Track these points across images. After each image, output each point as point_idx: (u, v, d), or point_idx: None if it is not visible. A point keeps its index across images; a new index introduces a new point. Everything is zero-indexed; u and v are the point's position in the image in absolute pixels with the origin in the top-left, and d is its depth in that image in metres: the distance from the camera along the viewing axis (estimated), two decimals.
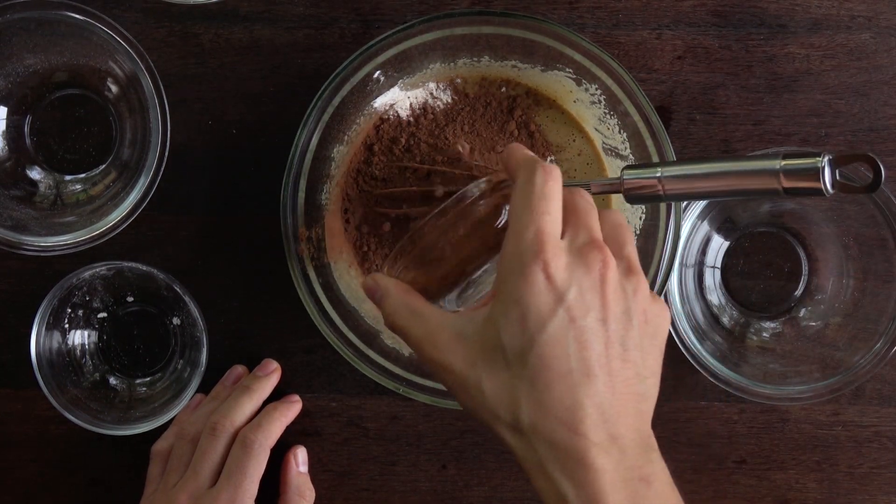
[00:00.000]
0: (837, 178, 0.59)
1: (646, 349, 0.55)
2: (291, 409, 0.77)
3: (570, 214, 0.56)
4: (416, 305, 0.58)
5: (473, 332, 0.54)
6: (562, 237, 0.55)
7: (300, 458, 0.78)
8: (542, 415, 0.52)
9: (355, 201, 0.76)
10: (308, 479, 0.78)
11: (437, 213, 0.61)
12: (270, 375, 0.77)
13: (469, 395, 0.54)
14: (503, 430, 0.53)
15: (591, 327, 0.53)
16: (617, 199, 0.77)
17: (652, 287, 0.71)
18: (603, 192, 0.65)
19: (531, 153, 0.59)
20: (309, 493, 0.77)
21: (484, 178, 0.62)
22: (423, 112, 0.76)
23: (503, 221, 0.60)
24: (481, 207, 0.61)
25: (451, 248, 0.61)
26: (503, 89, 0.76)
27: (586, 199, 0.58)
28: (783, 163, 0.60)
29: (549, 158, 0.76)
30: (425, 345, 0.56)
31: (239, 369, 0.78)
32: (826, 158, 0.59)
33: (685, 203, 0.74)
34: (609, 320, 0.53)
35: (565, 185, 0.69)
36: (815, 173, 0.59)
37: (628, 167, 0.63)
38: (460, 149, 0.73)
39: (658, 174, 0.63)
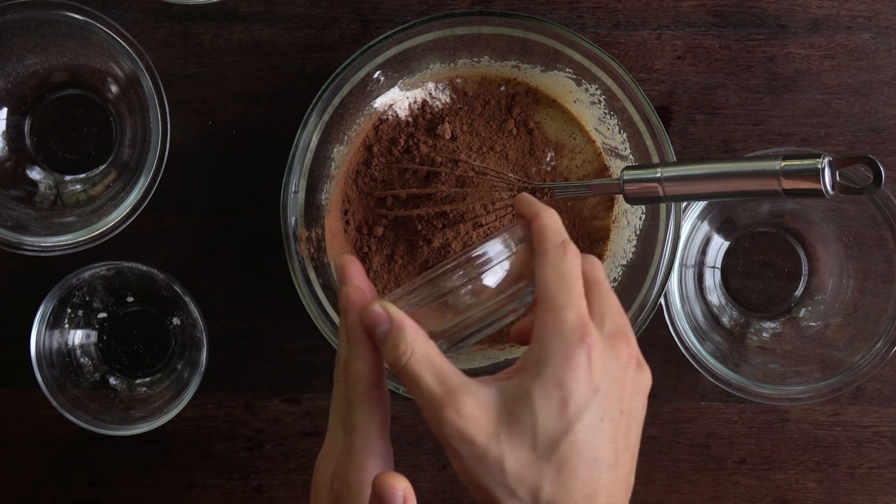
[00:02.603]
0: (837, 179, 0.59)
1: (637, 440, 0.56)
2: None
3: (595, 295, 0.56)
4: (437, 357, 0.54)
5: (502, 406, 0.52)
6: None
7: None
8: (562, 496, 0.52)
9: (355, 202, 0.76)
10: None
11: (461, 263, 0.58)
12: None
13: (485, 469, 0.52)
14: None
15: (616, 419, 0.53)
16: (618, 199, 0.77)
17: (652, 287, 0.72)
18: (603, 193, 0.66)
19: (553, 219, 0.58)
20: None
21: (503, 237, 0.59)
22: (421, 112, 0.76)
23: (529, 293, 0.58)
24: (511, 268, 0.58)
25: (475, 300, 0.58)
26: (502, 88, 0.76)
27: (605, 277, 0.58)
28: (783, 164, 0.60)
29: (548, 155, 0.76)
30: (446, 407, 0.52)
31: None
32: (826, 160, 0.59)
33: (685, 203, 0.74)
34: (625, 412, 0.54)
35: (565, 187, 0.69)
36: (815, 174, 0.59)
37: (628, 168, 0.63)
38: (447, 133, 0.73)
39: (658, 175, 0.63)
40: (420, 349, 0.54)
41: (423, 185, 0.74)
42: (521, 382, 0.53)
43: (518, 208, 0.60)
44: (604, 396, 0.53)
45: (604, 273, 0.58)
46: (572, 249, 0.56)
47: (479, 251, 0.57)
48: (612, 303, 0.56)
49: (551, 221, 0.58)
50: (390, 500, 0.52)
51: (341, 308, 0.57)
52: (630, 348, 0.55)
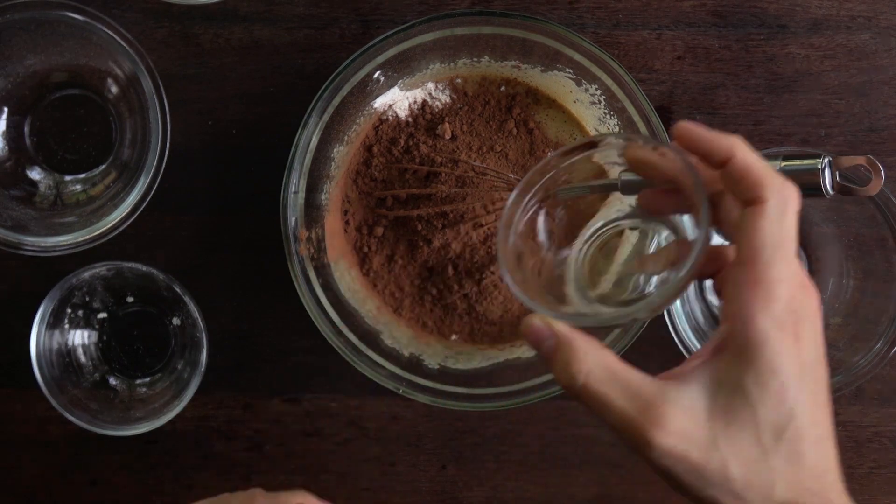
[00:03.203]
0: (837, 179, 0.59)
1: None
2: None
3: (765, 175, 0.48)
4: (619, 368, 0.48)
5: (711, 405, 0.47)
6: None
7: None
8: (796, 491, 0.47)
9: (355, 202, 0.76)
10: None
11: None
12: None
13: (706, 481, 0.47)
14: None
15: (825, 382, 0.50)
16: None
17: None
18: (603, 192, 0.65)
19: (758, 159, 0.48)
20: None
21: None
22: (421, 112, 0.76)
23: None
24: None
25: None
26: (502, 88, 0.76)
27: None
28: (783, 164, 0.60)
29: (549, 154, 0.76)
30: (648, 428, 0.46)
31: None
32: (826, 160, 0.59)
33: None
34: (826, 367, 0.50)
35: (565, 188, 0.69)
36: (816, 174, 0.59)
37: (627, 170, 0.63)
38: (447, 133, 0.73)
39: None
40: (597, 363, 0.47)
41: (423, 185, 0.74)
42: (729, 374, 0.47)
43: (686, 137, 0.49)
44: (814, 366, 0.48)
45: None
46: (794, 196, 0.47)
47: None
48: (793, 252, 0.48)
49: (759, 160, 0.48)
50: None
51: None
52: (816, 299, 0.49)
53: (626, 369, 0.48)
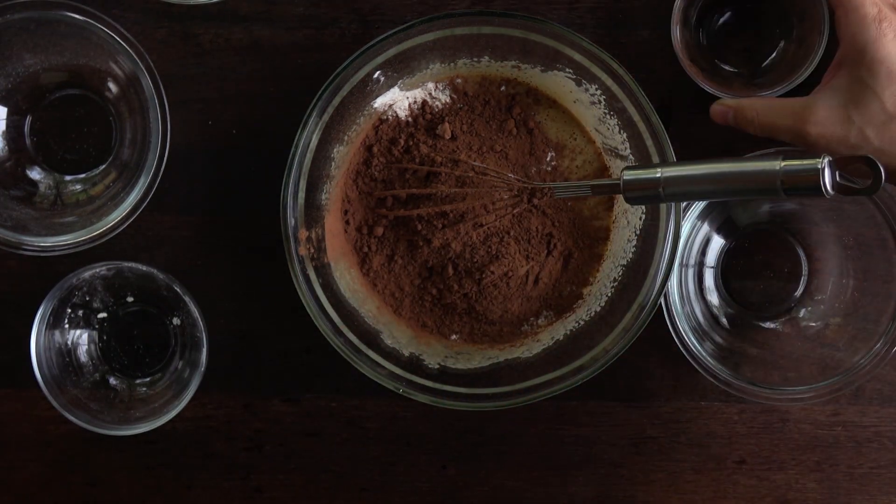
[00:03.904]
0: (837, 179, 0.59)
1: None
2: None
3: None
4: (773, 101, 0.70)
5: (843, 96, 0.67)
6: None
7: None
8: None
9: (355, 202, 0.76)
10: None
11: None
12: None
13: (852, 146, 0.66)
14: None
15: None
16: (618, 199, 0.77)
17: (652, 287, 0.72)
18: (602, 193, 0.65)
19: None
20: None
21: None
22: (421, 112, 0.76)
23: None
24: None
25: None
26: (503, 88, 0.76)
27: None
28: (784, 164, 0.60)
29: (549, 155, 0.76)
30: (803, 126, 0.67)
31: None
32: (826, 160, 0.59)
33: (685, 203, 0.74)
34: None
35: (566, 187, 0.69)
36: (816, 174, 0.59)
37: (628, 168, 0.63)
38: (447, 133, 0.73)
39: (658, 175, 0.63)
40: (760, 107, 0.70)
41: (423, 185, 0.74)
42: (849, 75, 0.67)
43: None
44: None
45: None
46: None
47: None
48: None
49: None
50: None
51: None
52: None
53: (776, 101, 0.70)
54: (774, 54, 0.77)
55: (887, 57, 0.66)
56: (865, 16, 0.67)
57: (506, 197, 0.73)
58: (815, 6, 0.72)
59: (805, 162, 0.60)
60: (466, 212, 0.73)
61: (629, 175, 0.65)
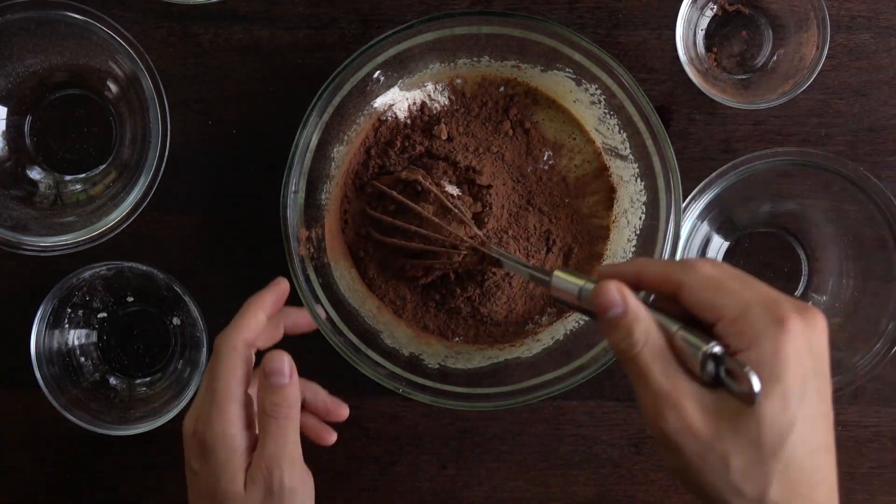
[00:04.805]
0: (721, 375, 0.52)
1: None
2: (266, 294, 0.67)
3: (745, 286, 0.53)
4: (666, 350, 0.53)
5: (719, 404, 0.51)
6: (728, 317, 0.53)
7: (269, 367, 0.63)
8: (789, 495, 0.51)
9: (354, 203, 0.76)
10: (279, 391, 0.63)
11: None
12: (268, 287, 0.68)
13: (709, 467, 0.51)
14: None
15: (826, 393, 0.52)
16: (617, 199, 0.76)
17: None
18: (534, 280, 0.63)
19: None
20: (275, 406, 0.63)
21: None
22: (420, 114, 0.76)
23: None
24: None
25: None
26: (502, 89, 0.76)
27: (724, 268, 0.55)
28: (679, 331, 0.53)
29: (545, 154, 0.76)
30: (671, 402, 0.52)
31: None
32: (714, 348, 0.52)
33: (685, 203, 0.74)
34: (828, 379, 0.53)
35: (509, 265, 0.66)
36: (703, 361, 0.52)
37: (561, 270, 0.61)
38: (419, 178, 0.73)
39: (581, 285, 0.58)
40: (653, 340, 0.53)
41: (413, 199, 0.73)
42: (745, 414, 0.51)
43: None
44: (818, 378, 0.51)
45: (728, 269, 0.55)
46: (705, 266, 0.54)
47: None
48: (762, 289, 0.54)
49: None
50: (276, 364, 0.62)
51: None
52: (816, 317, 0.53)
53: (670, 354, 0.53)
54: (771, 61, 0.77)
55: (784, 378, 0.51)
56: (757, 321, 0.52)
57: (457, 256, 0.72)
58: (814, 15, 0.72)
59: (694, 340, 0.53)
60: (454, 240, 0.72)
61: (558, 277, 0.61)
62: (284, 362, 0.63)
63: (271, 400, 0.62)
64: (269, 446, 0.62)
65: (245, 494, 0.62)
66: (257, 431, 0.63)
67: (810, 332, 0.52)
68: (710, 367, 0.52)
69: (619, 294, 0.54)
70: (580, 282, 0.58)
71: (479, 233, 0.72)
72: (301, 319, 0.70)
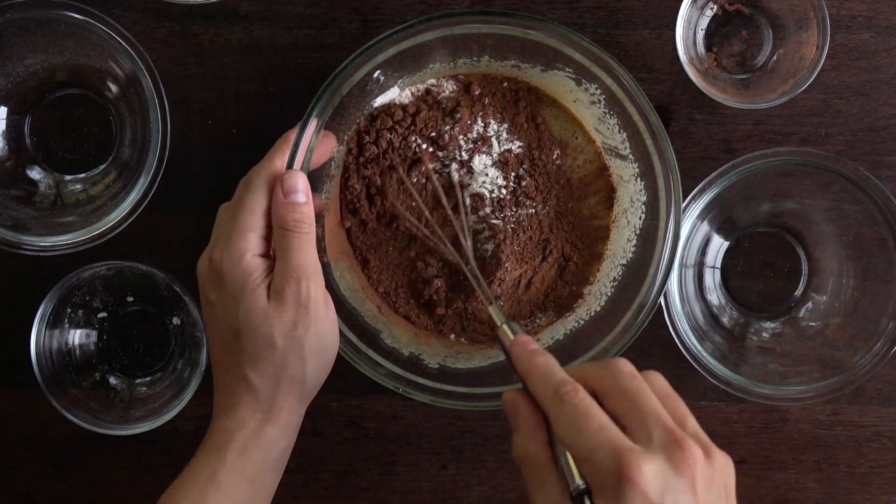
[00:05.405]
0: None
1: None
2: (292, 132, 0.67)
3: (630, 408, 0.52)
4: (546, 465, 0.53)
5: None
6: (627, 432, 0.51)
7: (288, 185, 0.64)
8: None
9: (360, 186, 0.76)
10: (298, 208, 0.64)
11: None
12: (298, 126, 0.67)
13: None
14: None
15: None
16: (617, 199, 0.76)
17: (652, 287, 0.71)
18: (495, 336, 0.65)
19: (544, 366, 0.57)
20: (297, 222, 0.64)
21: None
22: (417, 112, 0.76)
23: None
24: None
25: None
26: (505, 84, 0.76)
27: (636, 378, 0.53)
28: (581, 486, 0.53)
29: (555, 153, 0.76)
30: None
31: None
32: (580, 487, 0.52)
33: (685, 203, 0.74)
34: None
35: (492, 306, 0.66)
36: (574, 494, 0.53)
37: (510, 322, 0.62)
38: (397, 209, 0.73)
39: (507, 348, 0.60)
40: (533, 457, 0.54)
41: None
42: None
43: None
44: None
45: (635, 372, 0.54)
46: (570, 389, 0.53)
47: None
48: (652, 408, 0.52)
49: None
50: (295, 182, 0.63)
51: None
52: (690, 453, 0.51)
53: (552, 471, 0.53)
54: (771, 61, 0.77)
55: None
56: (599, 473, 0.50)
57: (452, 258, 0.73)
58: (814, 15, 0.72)
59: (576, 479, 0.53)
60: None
61: (505, 330, 0.62)
62: (301, 181, 0.64)
63: (292, 217, 0.63)
64: (293, 258, 0.62)
65: (270, 309, 0.62)
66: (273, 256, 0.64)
67: (661, 486, 0.49)
68: (585, 500, 0.51)
69: (512, 407, 0.56)
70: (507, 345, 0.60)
71: (467, 251, 0.72)
72: (325, 147, 0.70)
